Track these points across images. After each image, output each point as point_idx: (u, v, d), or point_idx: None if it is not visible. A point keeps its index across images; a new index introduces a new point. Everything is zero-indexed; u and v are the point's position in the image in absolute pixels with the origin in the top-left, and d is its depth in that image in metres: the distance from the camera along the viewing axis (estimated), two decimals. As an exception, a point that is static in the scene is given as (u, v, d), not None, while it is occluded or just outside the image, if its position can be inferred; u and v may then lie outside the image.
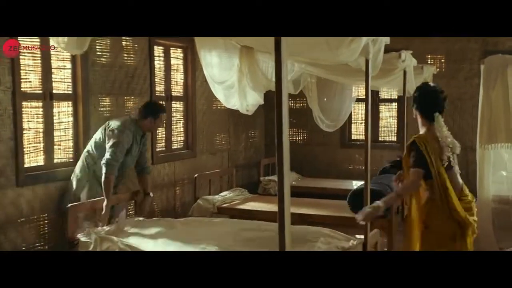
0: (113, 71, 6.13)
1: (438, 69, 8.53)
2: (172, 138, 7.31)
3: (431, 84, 4.59)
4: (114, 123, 5.39)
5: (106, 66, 6.02)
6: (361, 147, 9.11)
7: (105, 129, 5.40)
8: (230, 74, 6.09)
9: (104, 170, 5.16)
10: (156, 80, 6.91)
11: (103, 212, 5.12)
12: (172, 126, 7.35)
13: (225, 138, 8.57)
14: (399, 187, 4.23)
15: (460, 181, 4.11)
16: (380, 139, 9.35)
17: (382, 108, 9.42)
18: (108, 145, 5.26)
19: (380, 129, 9.39)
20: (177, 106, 7.48)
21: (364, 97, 9.25)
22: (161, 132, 7.07)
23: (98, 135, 5.44)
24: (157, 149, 6.95)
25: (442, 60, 8.88)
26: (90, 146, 5.45)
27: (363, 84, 8.96)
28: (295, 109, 9.78)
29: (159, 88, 7.05)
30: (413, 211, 4.16)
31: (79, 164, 5.41)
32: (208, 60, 6.01)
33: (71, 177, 5.37)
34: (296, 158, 9.55)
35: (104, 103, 6.06)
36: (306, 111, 9.04)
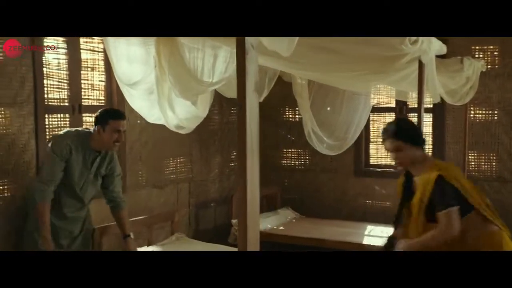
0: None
1: (489, 66, 6.54)
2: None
3: None
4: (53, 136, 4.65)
5: None
6: (382, 176, 7.07)
7: None
8: (147, 71, 4.31)
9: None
10: (51, 82, 4.91)
11: None
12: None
13: (184, 164, 6.46)
14: (426, 237, 3.58)
15: None
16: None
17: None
18: None
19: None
20: (95, 120, 5.43)
21: (387, 105, 7.27)
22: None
23: None
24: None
25: (496, 53, 6.68)
26: None
27: (384, 88, 7.04)
28: (294, 122, 7.61)
29: (58, 94, 5.01)
30: None
31: None
32: (120, 51, 4.27)
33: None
34: (294, 189, 7.52)
35: None
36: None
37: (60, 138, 4.43)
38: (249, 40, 1.92)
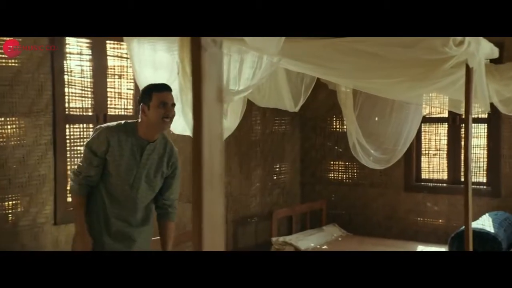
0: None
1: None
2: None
3: None
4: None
5: None
6: (434, 191, 6.55)
7: None
8: (170, 78, 3.99)
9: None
10: (72, 91, 4.65)
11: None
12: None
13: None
14: None
15: None
16: (462, 179, 6.44)
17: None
18: None
19: (461, 163, 6.51)
20: (122, 130, 5.12)
21: (440, 115, 6.73)
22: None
23: None
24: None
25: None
26: None
27: (436, 97, 6.50)
28: (341, 133, 7.12)
29: (80, 103, 4.74)
30: None
31: None
32: (144, 57, 4.05)
33: None
34: (341, 204, 7.06)
35: None
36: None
37: (97, 133, 3.74)
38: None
